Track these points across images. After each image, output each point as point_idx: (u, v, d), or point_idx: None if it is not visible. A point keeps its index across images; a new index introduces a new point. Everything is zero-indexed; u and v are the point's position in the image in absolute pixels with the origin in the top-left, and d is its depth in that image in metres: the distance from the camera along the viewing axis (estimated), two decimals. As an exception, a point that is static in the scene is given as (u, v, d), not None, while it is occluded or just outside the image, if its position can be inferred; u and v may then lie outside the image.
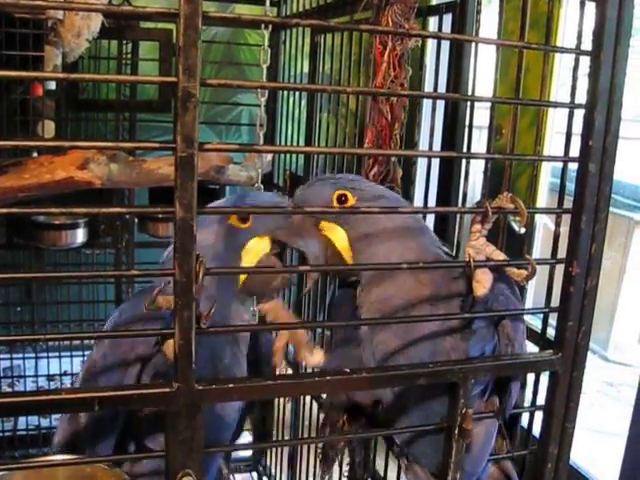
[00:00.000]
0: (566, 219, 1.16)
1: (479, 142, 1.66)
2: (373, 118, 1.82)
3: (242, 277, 1.36)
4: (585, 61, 1.08)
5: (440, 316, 1.29)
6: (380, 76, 1.75)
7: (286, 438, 3.02)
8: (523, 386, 1.42)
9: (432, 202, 1.83)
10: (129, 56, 3.21)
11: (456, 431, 1.09)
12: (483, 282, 1.21)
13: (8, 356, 3.48)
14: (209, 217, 1.32)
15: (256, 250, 1.36)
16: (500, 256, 1.20)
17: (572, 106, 1.14)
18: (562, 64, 3.68)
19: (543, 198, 3.84)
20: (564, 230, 1.35)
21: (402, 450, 1.44)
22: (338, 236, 1.37)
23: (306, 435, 2.80)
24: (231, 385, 0.94)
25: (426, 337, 1.31)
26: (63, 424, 1.34)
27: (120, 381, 1.22)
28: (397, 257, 1.33)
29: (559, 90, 3.71)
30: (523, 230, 1.23)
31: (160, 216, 3.03)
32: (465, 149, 1.70)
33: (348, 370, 1.01)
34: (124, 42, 3.14)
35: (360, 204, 1.38)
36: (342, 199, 1.38)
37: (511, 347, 1.28)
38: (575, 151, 1.10)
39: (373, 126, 1.82)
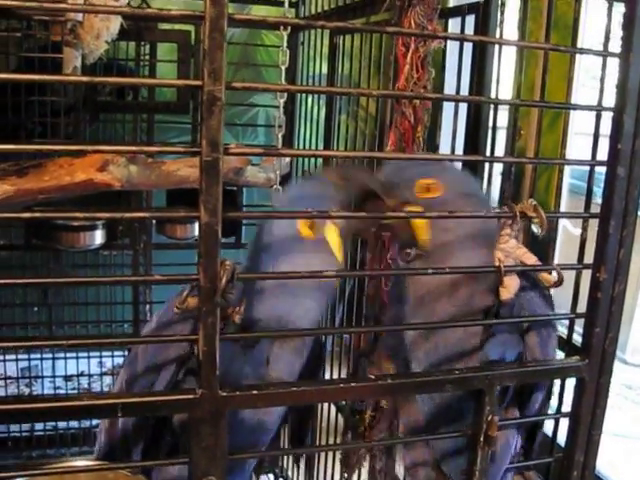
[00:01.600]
0: (589, 222, 1.15)
1: (497, 142, 1.64)
2: (396, 121, 1.80)
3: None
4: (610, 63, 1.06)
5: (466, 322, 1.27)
6: (402, 78, 1.74)
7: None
8: (549, 397, 1.40)
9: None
10: (147, 57, 3.21)
11: (481, 438, 1.07)
12: (509, 287, 1.20)
13: (26, 356, 3.48)
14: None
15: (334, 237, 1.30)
16: (531, 259, 1.19)
17: (600, 109, 1.12)
18: (581, 65, 3.66)
19: (563, 200, 3.82)
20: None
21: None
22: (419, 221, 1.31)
23: (324, 437, 2.79)
24: (255, 392, 0.93)
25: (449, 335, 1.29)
26: (102, 432, 1.33)
27: (157, 377, 1.21)
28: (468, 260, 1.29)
29: (579, 91, 3.69)
30: (542, 232, 1.21)
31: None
32: (489, 152, 1.69)
33: (373, 377, 1.00)
34: (142, 44, 3.14)
35: (448, 197, 1.30)
36: (428, 188, 1.30)
37: (535, 357, 1.26)
38: (600, 154, 1.08)
39: (396, 128, 1.80)
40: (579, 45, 1.56)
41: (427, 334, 1.31)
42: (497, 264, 1.15)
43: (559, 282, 1.14)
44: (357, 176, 1.31)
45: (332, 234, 1.26)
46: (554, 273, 1.16)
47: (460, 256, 1.28)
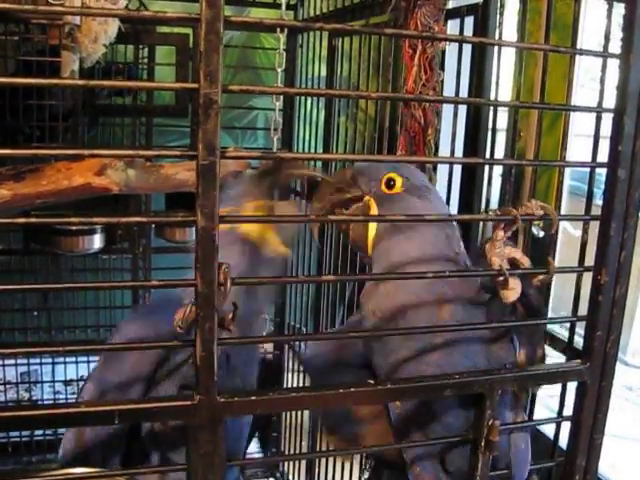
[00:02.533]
0: (591, 225, 1.14)
1: (496, 144, 1.63)
2: (405, 123, 1.79)
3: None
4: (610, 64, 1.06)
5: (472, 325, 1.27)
6: (411, 80, 1.73)
7: (304, 443, 3.01)
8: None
9: (454, 206, 1.81)
10: (145, 60, 3.21)
11: (482, 443, 1.07)
12: (516, 286, 1.19)
13: (25, 361, 3.47)
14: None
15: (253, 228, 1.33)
16: (518, 253, 1.18)
17: (601, 110, 1.11)
18: (581, 65, 3.66)
19: (563, 202, 3.81)
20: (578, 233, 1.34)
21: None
22: (372, 212, 1.36)
23: (324, 441, 2.78)
24: (253, 397, 0.92)
25: (445, 343, 1.28)
26: (68, 435, 1.33)
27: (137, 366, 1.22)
28: (416, 253, 1.32)
29: (578, 92, 3.69)
30: (542, 234, 1.20)
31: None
32: (488, 154, 1.68)
33: (372, 382, 0.99)
34: (140, 47, 3.13)
35: (407, 194, 1.36)
36: (390, 183, 1.35)
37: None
38: (601, 156, 1.08)
39: (406, 132, 1.79)
40: (579, 46, 1.55)
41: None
42: (497, 267, 1.14)
43: (547, 279, 1.14)
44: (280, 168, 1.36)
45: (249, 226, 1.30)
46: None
47: (406, 242, 1.33)
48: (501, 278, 1.14)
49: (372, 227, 1.36)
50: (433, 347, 1.28)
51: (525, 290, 1.21)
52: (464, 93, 1.78)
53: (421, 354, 1.28)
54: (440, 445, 1.28)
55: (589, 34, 3.29)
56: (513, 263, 1.18)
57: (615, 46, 1.03)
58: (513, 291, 1.19)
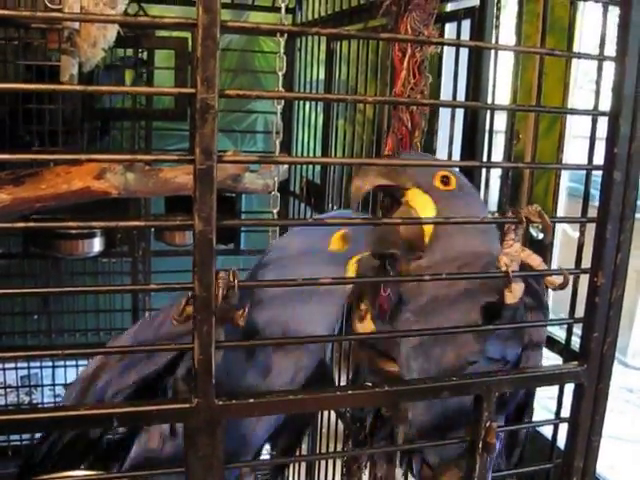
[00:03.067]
0: (588, 226, 1.14)
1: (495, 146, 1.64)
2: (393, 126, 1.80)
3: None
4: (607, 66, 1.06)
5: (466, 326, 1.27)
6: (400, 83, 1.73)
7: (304, 446, 3.01)
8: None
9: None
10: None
11: (480, 445, 1.07)
12: (515, 292, 1.19)
13: (25, 365, 3.47)
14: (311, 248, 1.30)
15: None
16: (535, 261, 1.18)
17: (596, 113, 1.12)
18: (579, 68, 3.66)
19: (561, 203, 3.82)
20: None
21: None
22: (426, 208, 1.33)
23: (324, 444, 2.78)
24: (251, 400, 0.93)
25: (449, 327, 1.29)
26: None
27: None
28: (473, 251, 1.31)
29: (576, 94, 3.69)
30: (541, 236, 1.21)
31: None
32: (485, 157, 1.69)
33: (370, 384, 0.99)
34: (140, 51, 3.14)
35: (461, 191, 1.35)
36: (445, 180, 1.33)
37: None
38: (597, 158, 1.08)
39: (393, 134, 1.79)
40: (576, 48, 1.56)
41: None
42: (504, 269, 1.14)
43: (564, 284, 1.13)
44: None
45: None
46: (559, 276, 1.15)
47: (463, 239, 1.31)
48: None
49: (429, 213, 1.33)
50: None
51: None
52: (461, 96, 1.79)
53: None
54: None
55: (587, 36, 3.29)
56: (525, 264, 1.19)
57: (611, 49, 1.04)
58: (511, 294, 1.19)
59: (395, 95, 1.75)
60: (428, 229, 1.33)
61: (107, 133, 3.38)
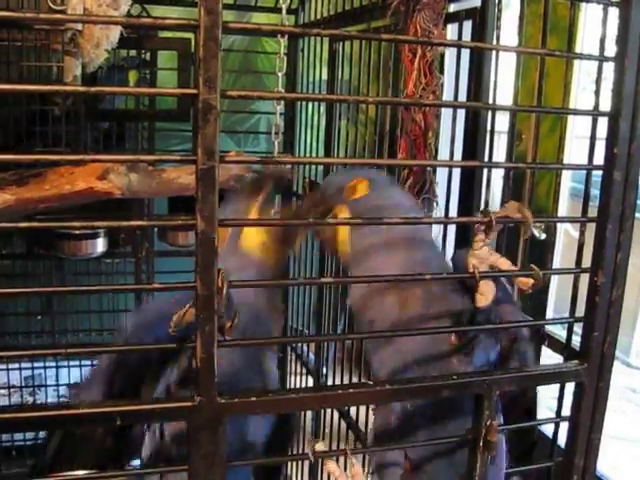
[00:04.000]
0: (589, 226, 1.14)
1: (498, 146, 1.64)
2: (406, 127, 1.80)
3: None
4: (608, 66, 1.06)
5: (437, 329, 1.27)
6: (411, 84, 1.73)
7: (307, 446, 3.01)
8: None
9: (453, 209, 1.82)
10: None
11: (481, 443, 1.07)
12: (486, 294, 1.19)
13: (29, 365, 3.48)
14: None
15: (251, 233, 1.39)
16: (505, 264, 1.18)
17: (596, 114, 1.12)
18: (582, 68, 3.66)
19: (564, 203, 3.82)
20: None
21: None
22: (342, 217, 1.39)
23: (327, 443, 2.78)
24: (254, 398, 0.93)
25: (421, 351, 1.29)
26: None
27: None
28: (395, 265, 1.32)
29: (579, 94, 3.69)
30: (543, 236, 1.21)
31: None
32: (487, 157, 1.69)
33: (371, 383, 1.00)
34: (142, 52, 3.15)
35: (373, 193, 1.39)
36: (352, 191, 1.39)
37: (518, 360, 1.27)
38: (598, 158, 1.08)
39: (407, 135, 1.80)
40: (578, 49, 1.57)
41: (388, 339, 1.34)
42: (471, 270, 1.15)
43: (537, 284, 1.13)
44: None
45: (249, 237, 1.36)
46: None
47: (378, 261, 1.34)
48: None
49: (343, 233, 1.40)
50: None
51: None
52: (463, 96, 1.79)
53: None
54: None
55: (590, 37, 3.29)
56: (494, 267, 1.19)
57: (612, 49, 1.04)
58: (482, 297, 1.19)
59: (407, 96, 1.76)
60: (342, 237, 1.39)
61: (112, 134, 3.38)
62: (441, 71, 1.82)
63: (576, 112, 1.12)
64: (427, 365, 1.28)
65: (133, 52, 3.15)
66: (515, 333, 1.28)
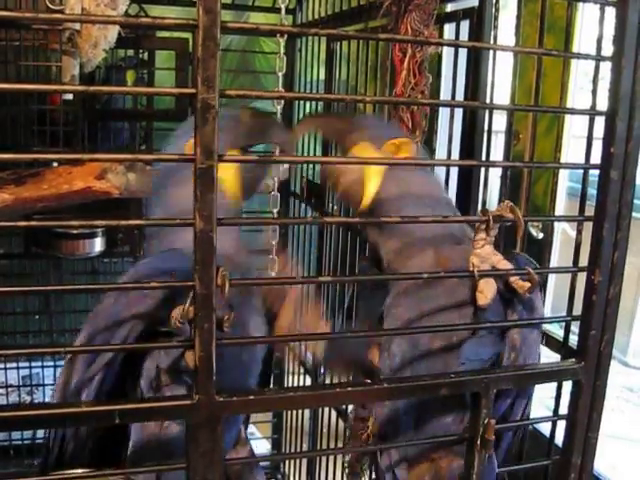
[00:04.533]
0: (587, 225, 1.15)
1: (495, 146, 1.64)
2: (394, 126, 1.80)
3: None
4: (605, 66, 1.07)
5: (445, 325, 1.27)
6: (400, 84, 1.74)
7: (304, 445, 3.02)
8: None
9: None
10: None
11: (478, 442, 1.08)
12: (486, 292, 1.19)
13: (27, 364, 3.48)
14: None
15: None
16: (506, 266, 1.18)
17: (593, 113, 1.13)
18: (579, 67, 3.67)
19: (561, 203, 3.82)
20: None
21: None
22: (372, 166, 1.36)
23: (325, 442, 2.79)
24: (252, 397, 0.94)
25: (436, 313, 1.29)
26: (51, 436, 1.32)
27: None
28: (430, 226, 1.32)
29: (576, 93, 3.69)
30: (541, 235, 1.21)
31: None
32: (484, 156, 1.69)
33: (369, 381, 1.00)
34: (140, 51, 3.15)
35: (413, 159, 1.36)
36: (398, 147, 1.37)
37: (514, 358, 1.26)
38: (595, 157, 1.09)
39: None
40: (575, 48, 1.57)
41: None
42: (472, 269, 1.15)
43: (533, 287, 1.14)
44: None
45: (224, 171, 1.27)
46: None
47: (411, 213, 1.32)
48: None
49: (375, 178, 1.36)
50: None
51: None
52: (460, 95, 1.79)
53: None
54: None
55: (588, 36, 3.30)
56: (495, 268, 1.19)
57: (609, 49, 1.04)
58: (482, 295, 1.20)
59: (396, 95, 1.76)
60: (369, 190, 1.35)
61: (109, 133, 3.38)
62: (438, 70, 1.83)
63: (573, 111, 1.13)
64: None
65: (131, 52, 3.15)
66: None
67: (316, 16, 2.77)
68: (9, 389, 3.46)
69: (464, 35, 1.80)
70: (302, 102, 3.06)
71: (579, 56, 1.10)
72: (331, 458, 2.56)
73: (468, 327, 1.27)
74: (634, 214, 1.10)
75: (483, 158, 1.71)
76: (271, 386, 1.56)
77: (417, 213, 1.29)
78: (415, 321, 1.29)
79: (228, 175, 1.31)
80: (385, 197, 1.35)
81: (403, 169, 1.35)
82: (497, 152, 1.74)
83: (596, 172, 1.08)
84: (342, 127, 1.38)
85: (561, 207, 3.85)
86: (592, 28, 1.26)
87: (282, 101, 2.22)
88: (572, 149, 3.73)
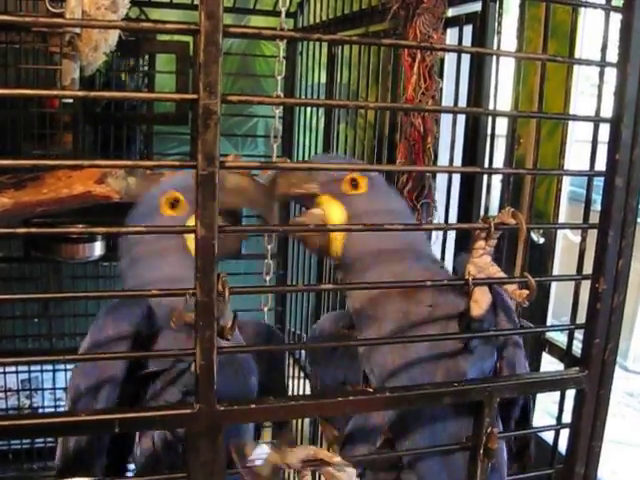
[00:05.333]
0: (590, 232, 1.14)
1: (496, 149, 1.63)
2: (405, 132, 1.79)
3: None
4: (609, 71, 1.06)
5: (436, 336, 1.26)
6: (410, 89, 1.73)
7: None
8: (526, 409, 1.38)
9: (453, 214, 1.81)
10: (146, 69, 3.22)
11: (481, 451, 1.07)
12: (480, 302, 1.17)
13: (26, 368, 3.47)
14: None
15: None
16: (494, 270, 1.17)
17: (598, 120, 1.12)
18: (580, 72, 3.65)
19: (563, 207, 3.80)
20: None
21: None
22: (335, 213, 1.33)
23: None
24: (253, 406, 0.93)
25: (422, 356, 1.27)
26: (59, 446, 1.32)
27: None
28: (393, 277, 1.31)
29: (578, 98, 3.68)
30: (542, 240, 1.21)
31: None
32: (487, 162, 1.68)
33: (371, 390, 0.99)
34: (141, 55, 3.14)
35: (370, 194, 1.34)
36: (354, 183, 1.34)
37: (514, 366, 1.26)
38: (600, 163, 1.08)
39: (406, 140, 1.79)
40: (578, 54, 1.56)
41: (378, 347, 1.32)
42: (467, 277, 1.14)
43: (531, 295, 1.12)
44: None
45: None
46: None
47: (378, 269, 1.31)
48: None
49: (338, 218, 1.34)
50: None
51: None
52: (463, 100, 1.78)
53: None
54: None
55: (591, 41, 3.29)
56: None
57: (614, 55, 1.04)
58: (476, 305, 1.18)
59: (407, 101, 1.75)
60: (337, 235, 1.34)
61: (109, 138, 3.37)
62: (440, 75, 1.82)
63: (577, 118, 1.12)
64: (430, 363, 1.27)
65: (131, 55, 3.15)
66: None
67: (317, 19, 2.76)
68: (8, 393, 3.45)
69: (467, 40, 1.80)
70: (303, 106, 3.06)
71: (584, 62, 1.09)
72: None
73: (469, 336, 1.26)
74: (638, 220, 1.09)
75: (486, 163, 1.70)
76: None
77: (383, 257, 1.31)
78: (400, 359, 1.29)
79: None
80: (351, 245, 1.35)
81: (366, 208, 1.35)
82: (498, 156, 1.73)
83: (600, 178, 1.07)
84: (295, 183, 1.37)
85: (563, 211, 3.84)
86: (594, 32, 1.25)
87: (281, 105, 2.21)
88: (574, 153, 3.72)
